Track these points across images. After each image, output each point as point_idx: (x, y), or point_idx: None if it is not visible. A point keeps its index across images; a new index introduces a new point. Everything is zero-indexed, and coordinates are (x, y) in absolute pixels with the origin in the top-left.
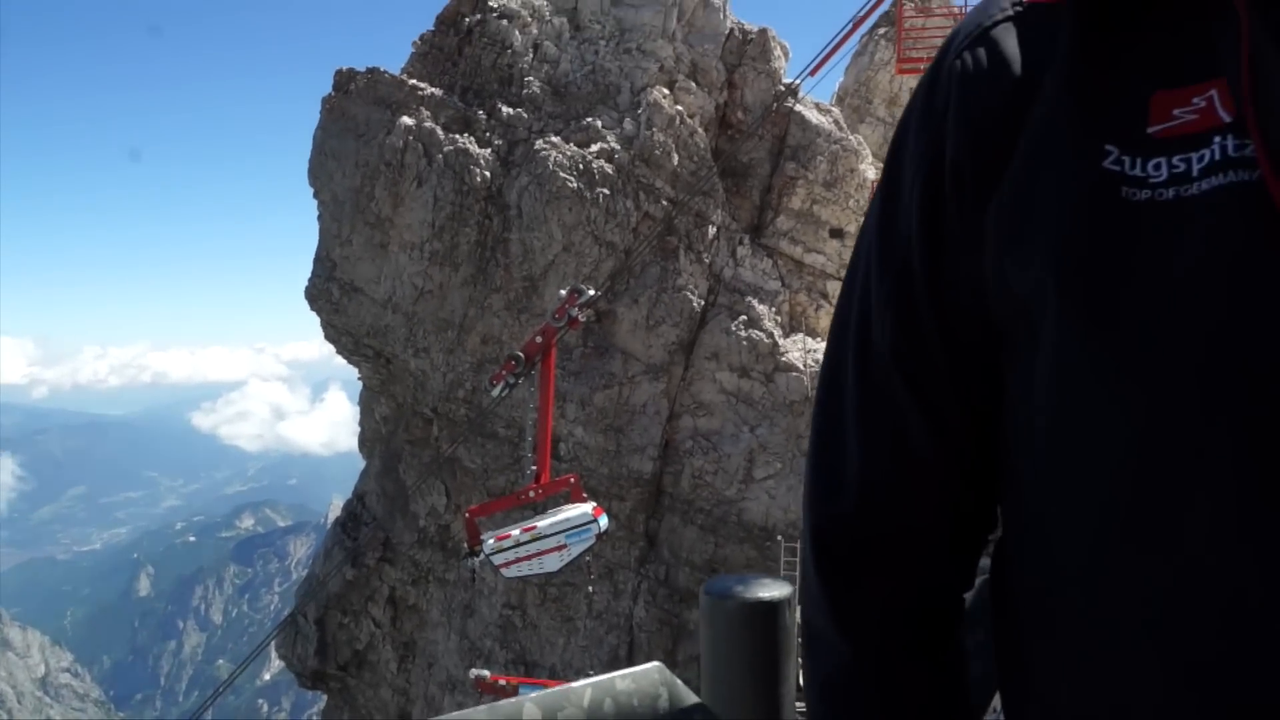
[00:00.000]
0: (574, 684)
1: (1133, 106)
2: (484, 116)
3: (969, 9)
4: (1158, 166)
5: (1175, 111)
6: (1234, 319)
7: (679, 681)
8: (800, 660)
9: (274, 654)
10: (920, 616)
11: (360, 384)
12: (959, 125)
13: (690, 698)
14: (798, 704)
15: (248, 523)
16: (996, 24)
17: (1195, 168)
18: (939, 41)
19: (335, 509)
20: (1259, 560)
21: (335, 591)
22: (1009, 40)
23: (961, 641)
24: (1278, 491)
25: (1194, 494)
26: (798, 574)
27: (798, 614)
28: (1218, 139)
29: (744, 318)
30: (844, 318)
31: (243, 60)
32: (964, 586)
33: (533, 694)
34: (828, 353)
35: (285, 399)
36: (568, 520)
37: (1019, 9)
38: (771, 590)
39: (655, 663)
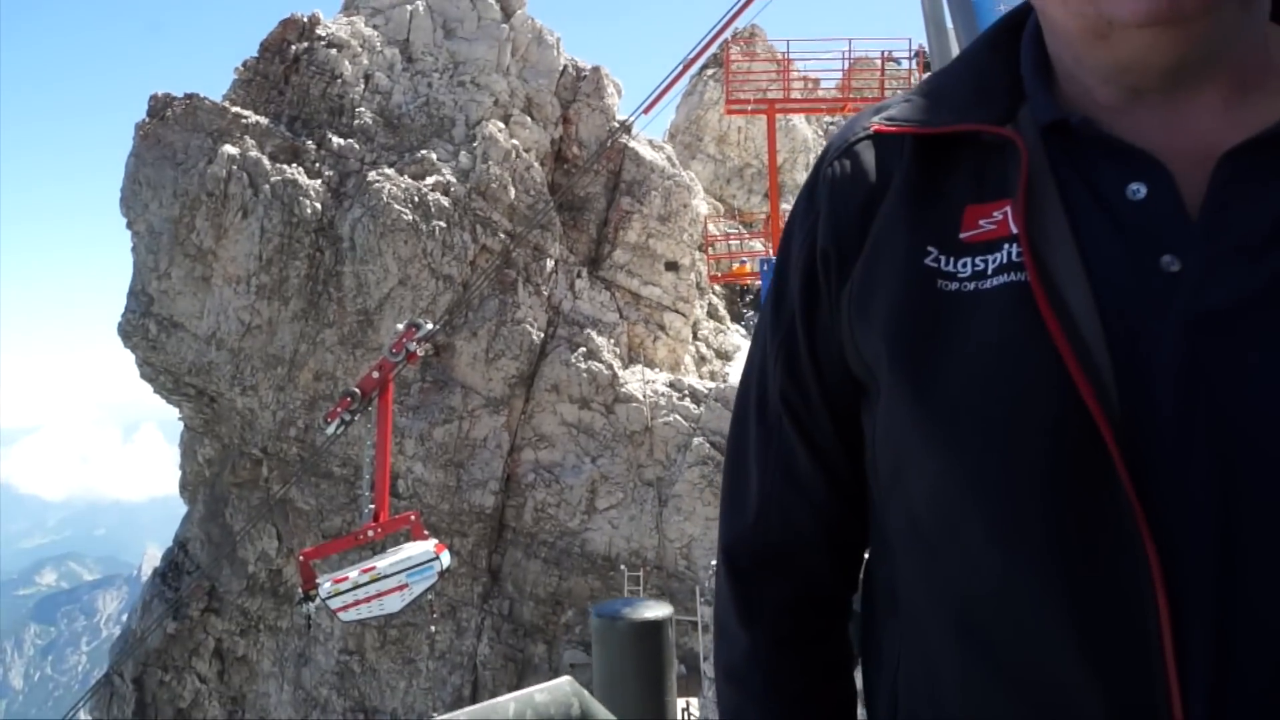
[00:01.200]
0: (497, 699)
1: (950, 216)
2: (313, 147)
3: (791, 53)
4: (964, 264)
5: (980, 221)
6: (1003, 385)
7: (585, 692)
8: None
9: (85, 718)
10: (809, 613)
11: (180, 424)
12: (828, 221)
13: (596, 706)
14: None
15: (49, 578)
16: (859, 140)
17: (990, 267)
18: (763, 82)
19: (152, 558)
20: (1020, 565)
21: (155, 647)
22: (868, 155)
23: (846, 635)
24: (1027, 513)
25: (973, 518)
26: (716, 586)
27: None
28: (1006, 245)
29: (583, 350)
30: (748, 370)
31: (49, 78)
32: (847, 589)
33: (462, 710)
34: (737, 399)
35: (92, 442)
36: (409, 559)
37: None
38: (655, 611)
39: (566, 677)
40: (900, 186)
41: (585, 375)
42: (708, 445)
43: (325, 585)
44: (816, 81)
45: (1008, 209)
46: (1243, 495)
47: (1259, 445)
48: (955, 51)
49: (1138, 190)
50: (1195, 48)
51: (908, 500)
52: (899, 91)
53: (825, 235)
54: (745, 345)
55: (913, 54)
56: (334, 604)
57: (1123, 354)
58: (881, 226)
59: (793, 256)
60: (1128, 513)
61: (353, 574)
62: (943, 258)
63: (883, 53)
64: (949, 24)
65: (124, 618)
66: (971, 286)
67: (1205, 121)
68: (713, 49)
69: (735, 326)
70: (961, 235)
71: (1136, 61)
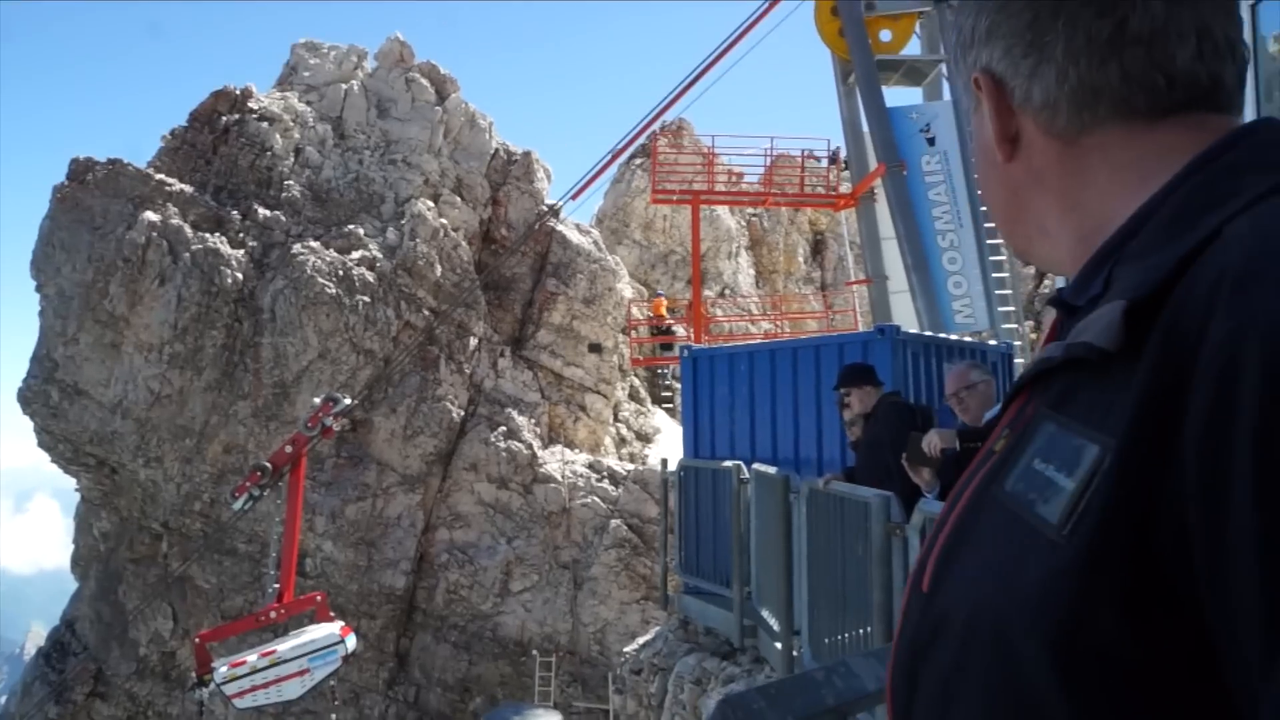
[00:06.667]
0: None
1: None
2: (238, 217)
3: (716, 147)
4: None
5: None
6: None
7: None
8: None
9: None
10: None
11: (78, 495)
12: None
13: None
14: None
15: None
16: None
17: None
18: (689, 174)
19: (36, 637)
20: None
21: None
22: None
23: None
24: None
25: None
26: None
27: None
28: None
29: (504, 429)
30: None
31: None
32: None
33: None
34: None
35: None
36: (312, 642)
37: None
38: (544, 719)
39: None
40: None
41: (504, 454)
42: (625, 528)
43: (221, 669)
44: (740, 175)
45: None
46: None
47: None
48: (871, 153)
49: None
50: None
51: None
52: (819, 188)
53: None
54: (666, 427)
55: (830, 154)
56: (229, 689)
57: None
58: None
59: None
60: None
61: (251, 658)
62: None
63: (803, 151)
64: (865, 128)
65: (2, 700)
66: None
67: None
68: (641, 140)
69: (656, 409)
70: None
71: None
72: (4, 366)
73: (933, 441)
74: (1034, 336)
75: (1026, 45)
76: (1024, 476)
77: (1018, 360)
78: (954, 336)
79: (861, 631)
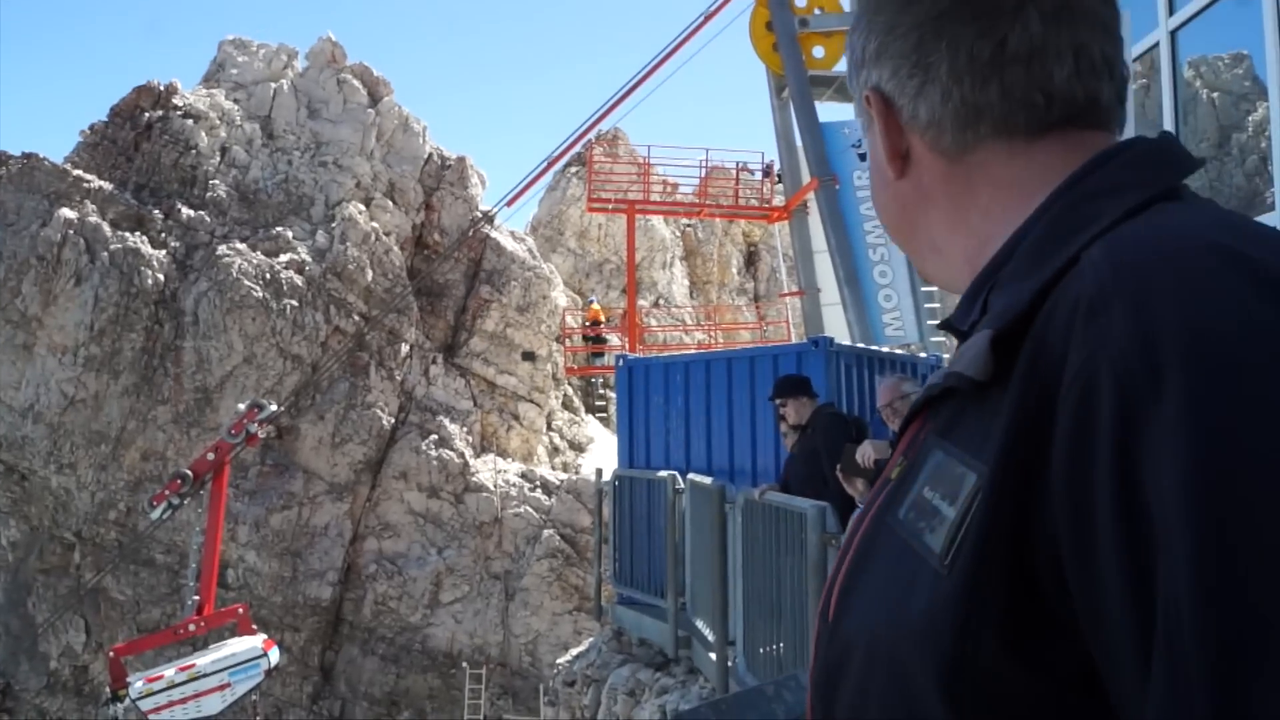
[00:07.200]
0: None
1: None
2: (160, 216)
3: (651, 158)
4: None
5: None
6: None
7: None
8: None
9: None
10: None
11: None
12: None
13: None
14: None
15: None
16: None
17: None
18: (624, 184)
19: None
20: None
21: None
22: None
23: None
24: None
25: None
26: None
27: None
28: None
29: (435, 437)
30: None
31: None
32: None
33: None
34: None
35: None
36: (233, 655)
37: None
38: None
39: None
40: None
41: (435, 463)
42: (558, 538)
43: (137, 684)
44: (675, 186)
45: None
46: None
47: None
48: (804, 167)
49: None
50: None
51: None
52: (753, 201)
53: None
54: (600, 436)
55: (764, 167)
56: (145, 705)
57: None
58: None
59: None
60: None
61: (169, 672)
62: None
63: (737, 163)
64: (798, 142)
65: None
66: None
67: None
68: (577, 148)
69: (590, 418)
70: None
71: None
72: None
73: (867, 453)
74: None
75: (912, 66)
76: (915, 504)
77: None
78: (885, 349)
79: (796, 642)
